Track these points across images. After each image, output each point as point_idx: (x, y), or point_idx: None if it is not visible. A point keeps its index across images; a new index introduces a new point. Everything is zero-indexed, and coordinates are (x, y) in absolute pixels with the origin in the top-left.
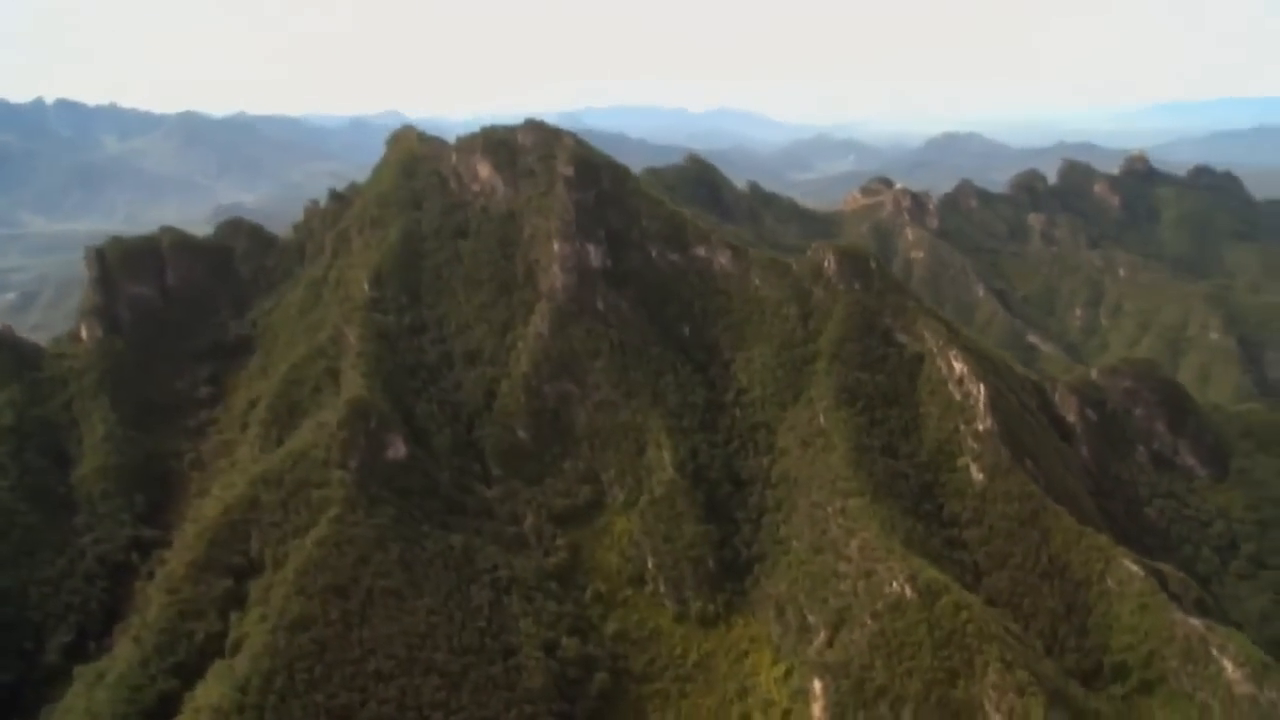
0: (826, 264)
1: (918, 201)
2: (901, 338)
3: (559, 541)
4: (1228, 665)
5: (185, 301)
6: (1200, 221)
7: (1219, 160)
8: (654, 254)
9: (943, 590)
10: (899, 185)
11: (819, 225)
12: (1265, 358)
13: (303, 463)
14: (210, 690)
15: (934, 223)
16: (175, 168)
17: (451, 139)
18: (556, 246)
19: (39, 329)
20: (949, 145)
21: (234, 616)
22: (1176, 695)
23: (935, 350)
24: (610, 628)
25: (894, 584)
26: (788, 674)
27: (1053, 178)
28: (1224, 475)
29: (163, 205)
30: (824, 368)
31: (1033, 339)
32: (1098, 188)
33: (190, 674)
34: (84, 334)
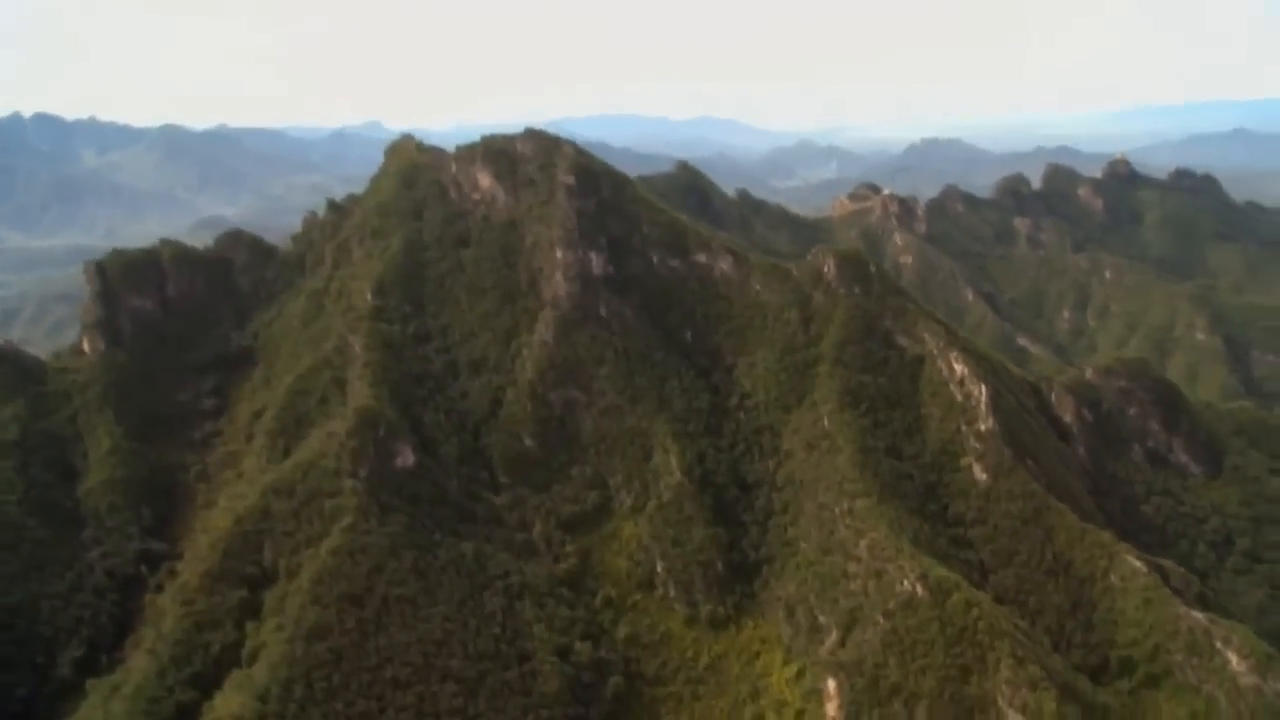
0: (826, 269)
1: (906, 207)
2: (902, 340)
3: (568, 547)
4: (1232, 658)
5: (186, 314)
6: (1182, 223)
7: (1196, 163)
8: (655, 260)
9: (953, 588)
10: (886, 191)
11: (809, 231)
12: (1251, 357)
13: (313, 472)
14: (230, 700)
15: (922, 227)
16: (156, 181)
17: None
18: (559, 254)
19: (22, 345)
20: (930, 151)
21: (249, 626)
22: (1182, 688)
23: (936, 352)
24: (621, 632)
25: (905, 583)
26: (800, 674)
27: (1034, 182)
28: (1217, 472)
29: (143, 219)
30: (826, 371)
31: (1022, 341)
32: (1081, 191)
33: (207, 684)
34: (86, 347)
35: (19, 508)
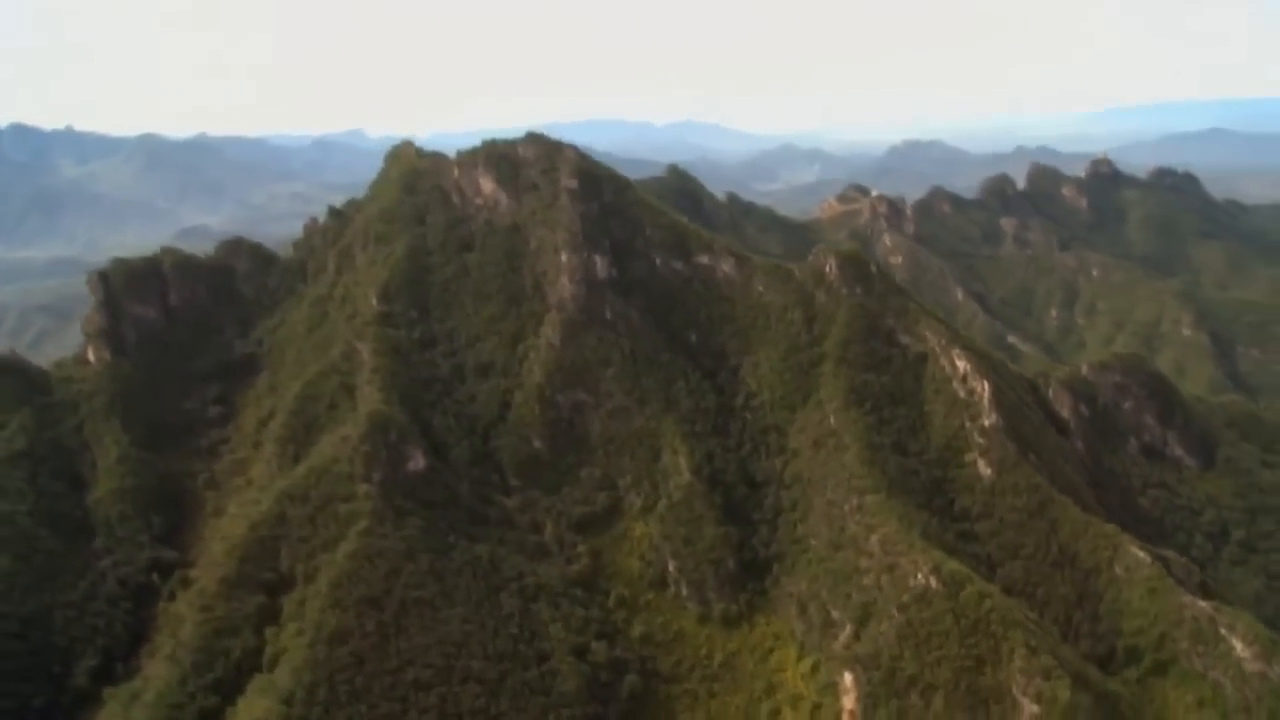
0: (828, 269)
1: (894, 208)
2: (904, 339)
3: (580, 549)
4: (1237, 644)
5: (188, 322)
6: (1165, 221)
7: (1173, 162)
8: (658, 263)
9: (966, 580)
10: (875, 192)
11: (799, 233)
12: (1236, 352)
13: (326, 477)
14: (254, 705)
15: (910, 228)
16: (135, 191)
17: None
18: (564, 258)
19: None
20: (911, 153)
21: (269, 632)
22: (1189, 675)
23: (938, 350)
24: (636, 631)
25: (918, 576)
26: (814, 669)
27: (1017, 182)
28: (1211, 465)
29: (124, 230)
30: (831, 370)
31: (1013, 340)
32: (1065, 191)
33: (229, 690)
34: (91, 356)
35: (30, 518)
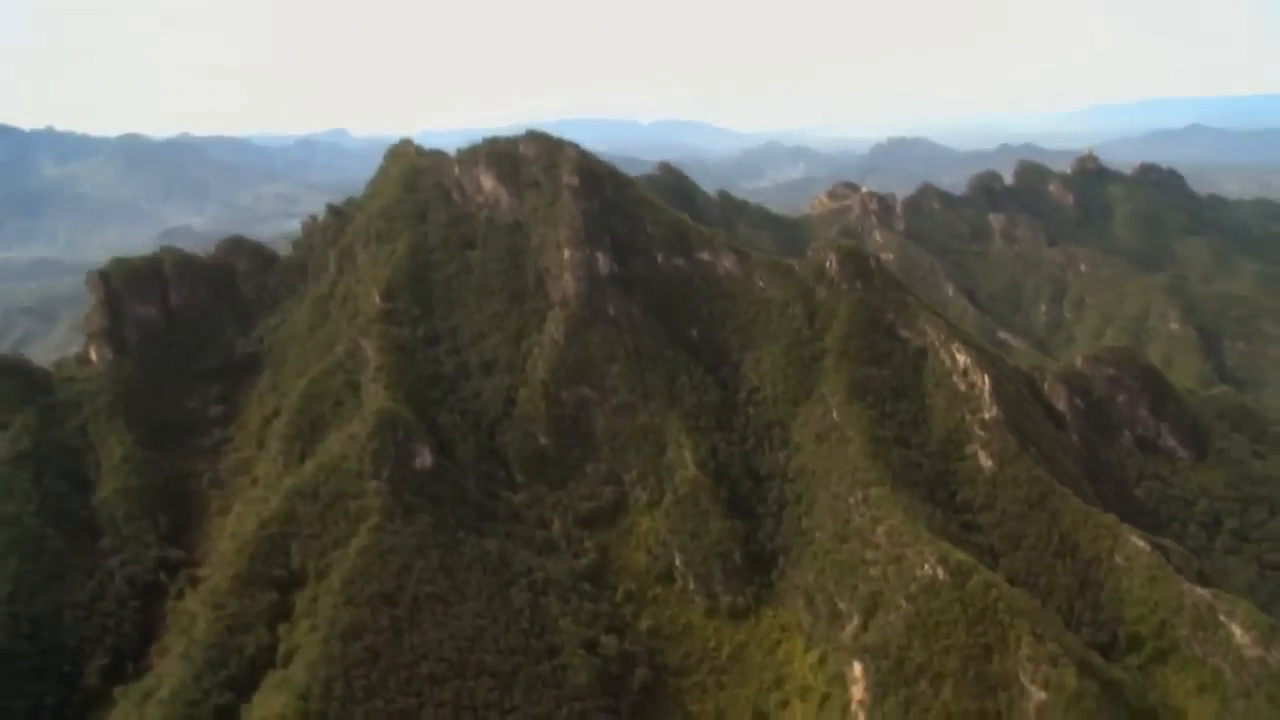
0: (829, 264)
1: (884, 204)
2: (904, 333)
3: (587, 543)
4: (1236, 630)
5: (189, 321)
6: (1151, 217)
7: (1156, 158)
8: (659, 260)
9: (972, 570)
10: (865, 189)
11: (791, 230)
12: (1222, 345)
13: (335, 475)
14: (270, 701)
15: (900, 225)
16: (118, 192)
17: None
18: (567, 254)
19: None
20: (896, 150)
21: (282, 628)
22: (1189, 661)
23: (938, 344)
24: (644, 625)
25: (925, 566)
26: (822, 660)
27: (1003, 179)
28: (1203, 456)
29: (106, 231)
30: (833, 364)
31: (1003, 335)
32: (1052, 187)
33: (243, 687)
34: (93, 356)
35: (36, 518)
